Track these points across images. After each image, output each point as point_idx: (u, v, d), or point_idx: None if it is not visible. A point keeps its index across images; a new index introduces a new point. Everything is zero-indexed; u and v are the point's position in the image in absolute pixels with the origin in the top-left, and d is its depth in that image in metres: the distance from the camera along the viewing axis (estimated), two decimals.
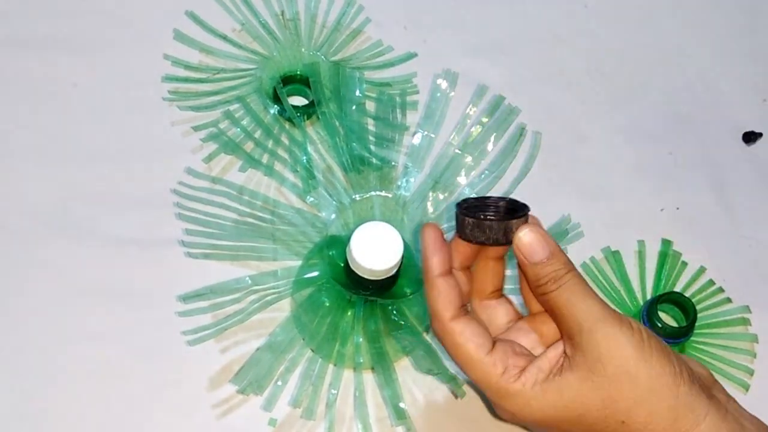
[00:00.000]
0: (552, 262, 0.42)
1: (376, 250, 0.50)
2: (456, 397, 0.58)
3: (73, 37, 0.69)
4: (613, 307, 0.43)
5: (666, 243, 0.65)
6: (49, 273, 0.60)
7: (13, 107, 0.66)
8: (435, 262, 0.44)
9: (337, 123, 0.64)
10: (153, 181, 0.63)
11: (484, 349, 0.43)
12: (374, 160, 0.61)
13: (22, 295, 0.59)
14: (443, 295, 0.43)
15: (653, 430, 0.40)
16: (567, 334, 0.42)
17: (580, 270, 0.61)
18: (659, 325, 0.58)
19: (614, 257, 0.64)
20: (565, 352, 0.42)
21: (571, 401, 0.41)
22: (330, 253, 0.58)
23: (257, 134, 0.65)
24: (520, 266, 0.43)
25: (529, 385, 0.42)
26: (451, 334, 0.43)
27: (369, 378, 0.58)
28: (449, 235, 0.46)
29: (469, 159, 0.62)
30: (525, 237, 0.42)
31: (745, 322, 0.62)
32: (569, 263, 0.43)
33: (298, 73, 0.67)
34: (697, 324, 0.59)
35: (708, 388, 0.42)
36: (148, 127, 0.66)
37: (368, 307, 0.57)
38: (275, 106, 0.65)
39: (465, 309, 0.45)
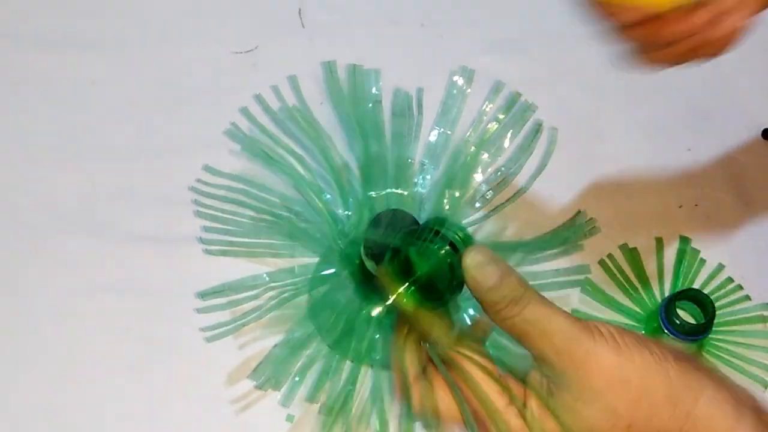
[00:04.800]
0: (506, 282, 0.38)
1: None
2: None
3: (90, 35, 0.70)
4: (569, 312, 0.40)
5: (684, 240, 0.64)
6: (68, 270, 0.60)
7: (32, 105, 0.67)
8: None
9: (354, 120, 0.64)
10: (171, 179, 0.64)
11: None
12: (390, 158, 0.62)
13: (41, 291, 0.60)
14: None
15: (658, 422, 0.39)
16: (540, 356, 0.39)
17: (597, 268, 0.62)
18: (677, 322, 0.57)
19: (632, 254, 0.63)
20: (544, 374, 0.40)
21: (573, 421, 0.39)
22: (346, 250, 0.58)
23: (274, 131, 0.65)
24: (474, 294, 0.39)
25: (530, 417, 0.39)
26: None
27: (385, 374, 0.58)
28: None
29: (485, 156, 0.62)
30: (472, 260, 0.38)
31: (764, 319, 0.62)
32: (524, 281, 0.39)
33: None
34: (715, 322, 0.58)
35: (694, 359, 0.42)
36: (166, 124, 0.66)
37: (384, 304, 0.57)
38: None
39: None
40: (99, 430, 0.56)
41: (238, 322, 0.58)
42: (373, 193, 0.60)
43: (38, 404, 0.56)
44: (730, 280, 0.63)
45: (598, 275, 0.63)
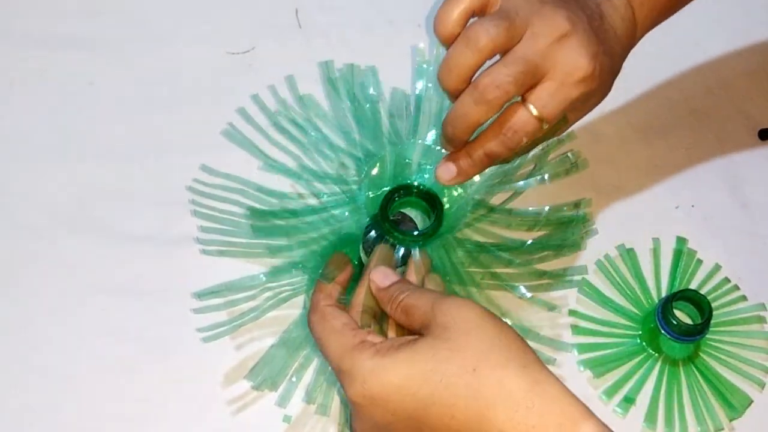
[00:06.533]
0: (396, 285, 0.49)
1: None
2: None
3: (89, 36, 0.70)
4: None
5: (681, 240, 0.64)
6: (64, 269, 0.60)
7: (30, 105, 0.67)
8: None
9: (352, 120, 0.64)
10: (168, 179, 0.64)
11: (348, 326, 0.48)
12: (387, 158, 0.61)
13: (38, 292, 0.60)
14: (323, 289, 0.52)
15: (506, 375, 0.42)
16: (420, 322, 0.46)
17: (594, 267, 0.62)
18: (674, 322, 0.57)
19: (629, 255, 0.64)
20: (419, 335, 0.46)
21: (423, 357, 0.43)
22: (344, 250, 0.58)
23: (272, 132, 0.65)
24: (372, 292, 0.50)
25: (384, 350, 0.45)
26: (322, 314, 0.49)
27: None
28: None
29: None
30: (374, 275, 0.50)
31: (761, 320, 0.62)
32: (410, 282, 0.51)
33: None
34: (712, 322, 0.58)
35: None
36: (163, 124, 0.66)
37: None
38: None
39: (339, 302, 0.52)
40: (95, 430, 0.56)
41: (235, 323, 0.58)
42: (370, 193, 0.60)
43: (34, 404, 0.56)
44: (726, 280, 0.63)
45: (595, 276, 0.63)
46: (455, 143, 0.51)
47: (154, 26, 0.71)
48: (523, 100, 0.49)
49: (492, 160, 0.51)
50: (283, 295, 0.59)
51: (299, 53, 0.70)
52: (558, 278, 0.60)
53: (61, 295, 0.60)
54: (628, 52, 0.54)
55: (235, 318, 0.58)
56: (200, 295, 0.59)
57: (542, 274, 0.60)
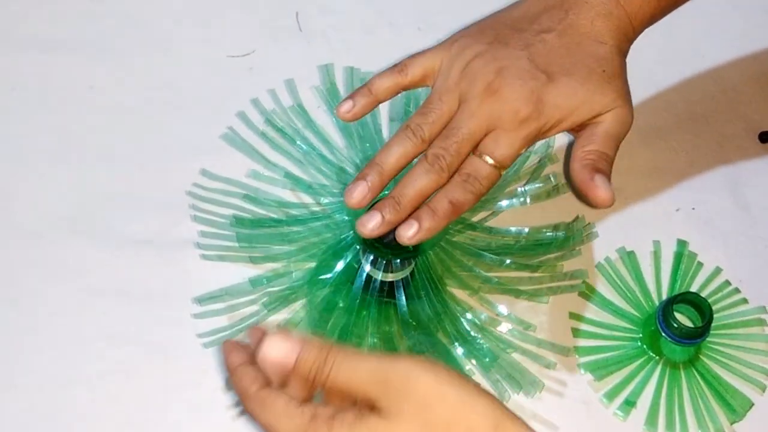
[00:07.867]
0: (305, 356, 0.42)
1: None
2: None
3: (88, 39, 0.70)
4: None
5: (681, 243, 0.64)
6: (65, 274, 0.60)
7: (30, 109, 0.67)
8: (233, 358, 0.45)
9: (351, 124, 0.64)
10: (168, 183, 0.64)
11: (292, 405, 0.42)
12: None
13: (39, 296, 0.60)
14: (246, 374, 0.44)
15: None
16: (363, 396, 0.41)
17: (594, 271, 0.62)
18: (675, 325, 0.57)
19: (629, 258, 0.64)
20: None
21: None
22: (344, 254, 0.58)
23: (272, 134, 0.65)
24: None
25: (337, 426, 0.41)
26: (261, 401, 0.43)
27: None
28: None
29: None
30: (270, 353, 0.43)
31: (762, 323, 0.62)
32: (323, 345, 0.43)
33: None
34: (713, 325, 0.58)
35: None
36: (163, 128, 0.66)
37: (382, 309, 0.57)
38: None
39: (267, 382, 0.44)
40: None
41: (236, 328, 0.58)
42: None
43: (34, 408, 0.56)
44: (727, 283, 0.63)
45: (595, 279, 0.63)
46: (402, 214, 0.51)
47: (153, 30, 0.71)
48: (478, 154, 0.52)
49: (457, 209, 0.51)
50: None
51: (300, 56, 0.70)
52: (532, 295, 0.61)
53: (61, 298, 0.60)
54: (627, 39, 0.56)
55: (236, 323, 0.58)
56: (201, 301, 0.59)
57: (518, 293, 0.60)
